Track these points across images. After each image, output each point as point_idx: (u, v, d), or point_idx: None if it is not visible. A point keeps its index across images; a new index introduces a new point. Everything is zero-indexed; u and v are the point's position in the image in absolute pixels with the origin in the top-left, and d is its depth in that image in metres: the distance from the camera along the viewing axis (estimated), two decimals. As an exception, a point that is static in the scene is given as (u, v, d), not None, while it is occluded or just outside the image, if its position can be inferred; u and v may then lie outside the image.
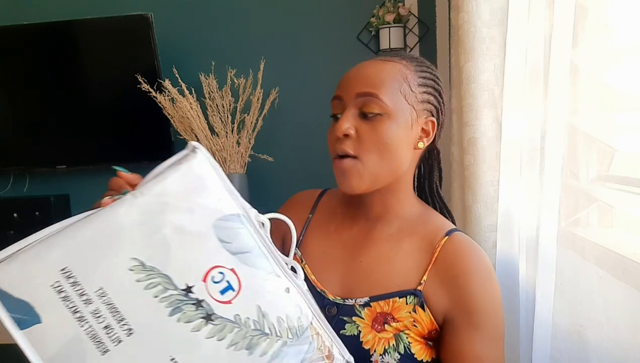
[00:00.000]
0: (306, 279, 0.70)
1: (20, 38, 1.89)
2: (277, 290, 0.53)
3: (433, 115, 0.70)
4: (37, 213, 1.91)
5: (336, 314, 0.67)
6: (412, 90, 0.67)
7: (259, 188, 1.95)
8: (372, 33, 1.89)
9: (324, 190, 0.85)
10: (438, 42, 1.87)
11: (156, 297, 0.49)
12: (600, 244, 0.79)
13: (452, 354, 0.65)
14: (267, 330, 0.51)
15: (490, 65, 1.18)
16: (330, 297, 0.69)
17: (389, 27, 1.81)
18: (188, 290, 0.50)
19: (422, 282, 0.67)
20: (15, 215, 1.93)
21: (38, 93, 1.95)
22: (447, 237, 0.69)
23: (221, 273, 0.51)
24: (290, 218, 0.77)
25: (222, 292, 0.50)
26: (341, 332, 0.65)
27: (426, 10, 1.86)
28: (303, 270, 0.72)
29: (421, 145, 0.70)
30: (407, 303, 0.66)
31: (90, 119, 1.95)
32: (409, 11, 1.84)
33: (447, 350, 0.66)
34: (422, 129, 0.69)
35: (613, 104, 0.85)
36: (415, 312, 0.66)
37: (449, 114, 1.54)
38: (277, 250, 0.56)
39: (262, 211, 0.57)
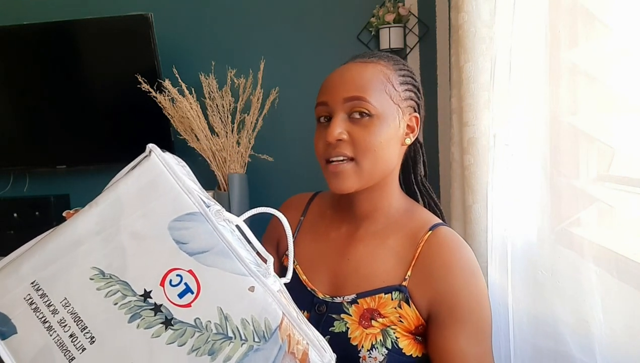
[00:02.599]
0: (297, 279, 0.73)
1: (20, 38, 1.89)
2: (241, 290, 0.50)
3: (415, 111, 0.73)
4: (37, 213, 1.91)
5: (325, 312, 0.69)
6: (395, 89, 0.69)
7: (259, 188, 1.95)
8: (372, 33, 1.89)
9: (315, 193, 0.86)
10: (438, 42, 1.87)
11: (116, 304, 0.49)
12: (599, 244, 0.79)
13: (437, 349, 0.65)
14: (230, 334, 0.49)
15: (490, 65, 1.18)
16: (320, 296, 0.71)
17: (389, 27, 1.81)
18: (146, 295, 0.50)
19: (406, 277, 0.68)
20: (15, 215, 1.93)
21: (38, 93, 1.95)
22: (430, 231, 0.69)
23: (179, 275, 0.50)
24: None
25: (180, 295, 0.50)
26: (330, 329, 0.67)
27: (426, 10, 1.86)
28: (294, 270, 0.73)
29: (408, 141, 0.72)
30: (392, 299, 0.67)
31: (90, 119, 1.95)
32: (409, 11, 1.84)
33: (432, 346, 0.66)
34: (407, 125, 0.72)
35: (613, 104, 0.85)
36: (400, 307, 0.67)
37: (449, 114, 1.54)
38: (247, 245, 0.54)
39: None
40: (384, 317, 0.66)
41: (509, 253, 1.11)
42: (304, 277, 0.74)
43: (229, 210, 1.79)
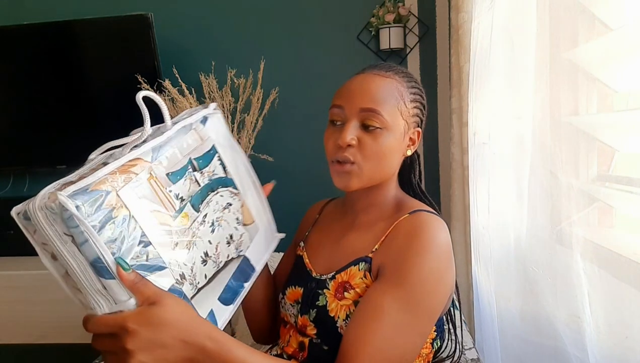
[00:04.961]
0: (302, 261, 0.85)
1: (20, 38, 1.89)
2: None
3: (419, 126, 0.80)
4: (37, 213, 1.91)
5: (314, 287, 0.77)
6: (406, 106, 0.76)
7: (259, 188, 1.95)
8: (372, 33, 1.89)
9: (334, 197, 0.97)
10: (438, 42, 1.87)
11: None
12: (596, 243, 0.79)
13: (364, 297, 0.69)
14: None
15: (471, 62, 1.18)
16: (313, 274, 0.80)
17: (389, 27, 1.81)
18: None
19: (374, 249, 0.74)
20: (15, 215, 1.93)
21: (38, 93, 1.96)
22: (408, 214, 0.75)
23: None
24: (304, 222, 0.94)
25: None
26: (316, 303, 0.75)
27: (426, 10, 1.86)
28: (302, 257, 0.86)
29: (409, 152, 0.80)
30: (359, 270, 0.73)
31: (90, 119, 1.95)
32: (409, 11, 1.84)
33: (364, 295, 0.70)
34: (410, 138, 0.79)
35: (613, 104, 0.85)
36: (366, 277, 0.72)
37: (449, 114, 1.54)
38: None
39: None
40: (354, 288, 0.72)
41: (497, 252, 1.11)
42: (307, 260, 0.84)
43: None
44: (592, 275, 0.77)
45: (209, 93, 1.78)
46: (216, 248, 0.65)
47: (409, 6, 1.85)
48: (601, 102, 0.85)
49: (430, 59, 1.89)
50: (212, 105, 0.73)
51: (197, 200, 0.62)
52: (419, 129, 0.80)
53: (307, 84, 1.95)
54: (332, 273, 0.76)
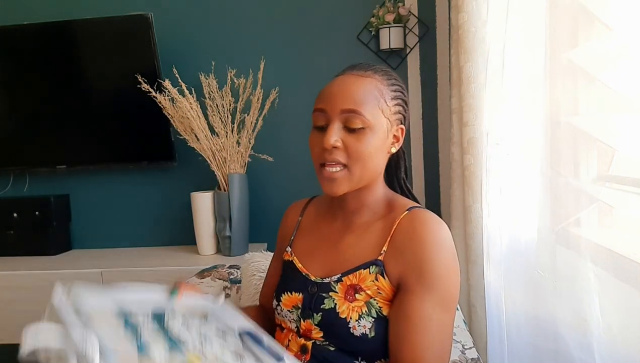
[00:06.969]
0: (294, 267, 0.84)
1: (20, 38, 1.89)
2: None
3: (402, 123, 0.81)
4: (37, 213, 1.91)
5: (316, 292, 0.78)
6: (387, 104, 0.76)
7: (259, 188, 1.95)
8: (372, 33, 1.89)
9: (312, 197, 0.97)
10: (438, 42, 1.87)
11: None
12: (597, 243, 0.79)
13: (402, 313, 0.71)
14: None
15: (484, 64, 1.18)
16: (312, 278, 0.80)
17: (389, 27, 1.81)
18: None
19: (382, 252, 0.76)
20: (15, 215, 1.93)
21: (38, 93, 1.96)
22: (407, 212, 0.77)
23: None
24: (285, 227, 0.92)
25: None
26: (321, 306, 0.76)
27: (426, 10, 1.86)
28: (293, 262, 0.85)
29: (393, 149, 0.80)
30: (370, 273, 0.75)
31: (91, 119, 1.95)
32: (409, 11, 1.84)
33: (397, 309, 0.72)
34: (394, 135, 0.79)
35: (613, 104, 0.85)
36: (377, 280, 0.74)
37: (449, 114, 1.54)
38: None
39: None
40: (364, 290, 0.74)
41: (502, 253, 1.11)
42: (300, 265, 0.84)
43: (229, 209, 1.80)
44: (602, 278, 0.77)
45: (209, 93, 1.78)
46: (227, 347, 0.67)
47: (409, 6, 1.85)
48: (601, 102, 0.85)
49: (430, 59, 1.89)
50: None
51: (174, 343, 0.63)
52: (402, 126, 0.80)
53: (307, 84, 1.95)
54: (338, 276, 0.77)
